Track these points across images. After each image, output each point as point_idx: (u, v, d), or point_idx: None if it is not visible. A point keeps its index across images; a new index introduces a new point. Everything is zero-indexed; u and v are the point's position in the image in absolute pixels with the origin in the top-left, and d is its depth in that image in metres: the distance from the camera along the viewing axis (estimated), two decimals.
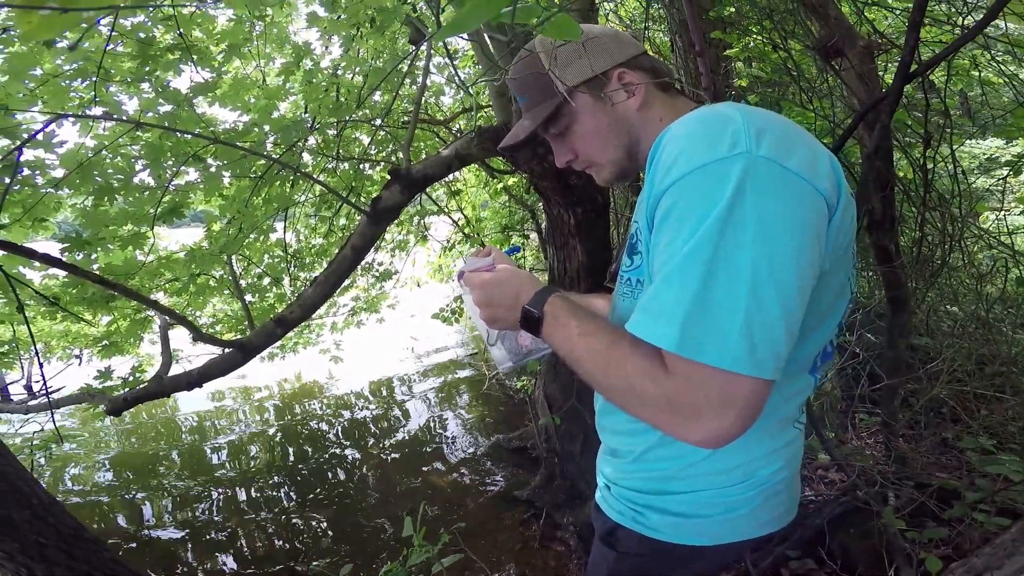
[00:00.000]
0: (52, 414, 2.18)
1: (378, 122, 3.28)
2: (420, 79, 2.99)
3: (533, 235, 4.87)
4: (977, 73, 1.93)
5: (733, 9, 2.49)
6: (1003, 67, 1.70)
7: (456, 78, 4.13)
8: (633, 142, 0.87)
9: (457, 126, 4.51)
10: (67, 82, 2.06)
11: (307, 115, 2.73)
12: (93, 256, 2.07)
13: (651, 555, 0.91)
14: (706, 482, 0.84)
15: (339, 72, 3.04)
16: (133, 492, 3.81)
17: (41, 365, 2.04)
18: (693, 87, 2.13)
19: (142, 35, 2.12)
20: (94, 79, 1.99)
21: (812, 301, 0.67)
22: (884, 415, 2.03)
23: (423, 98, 3.31)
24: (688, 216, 0.64)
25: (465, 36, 2.46)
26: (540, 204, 4.24)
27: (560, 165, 0.94)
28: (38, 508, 1.77)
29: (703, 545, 0.87)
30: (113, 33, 2.03)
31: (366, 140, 3.62)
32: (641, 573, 0.96)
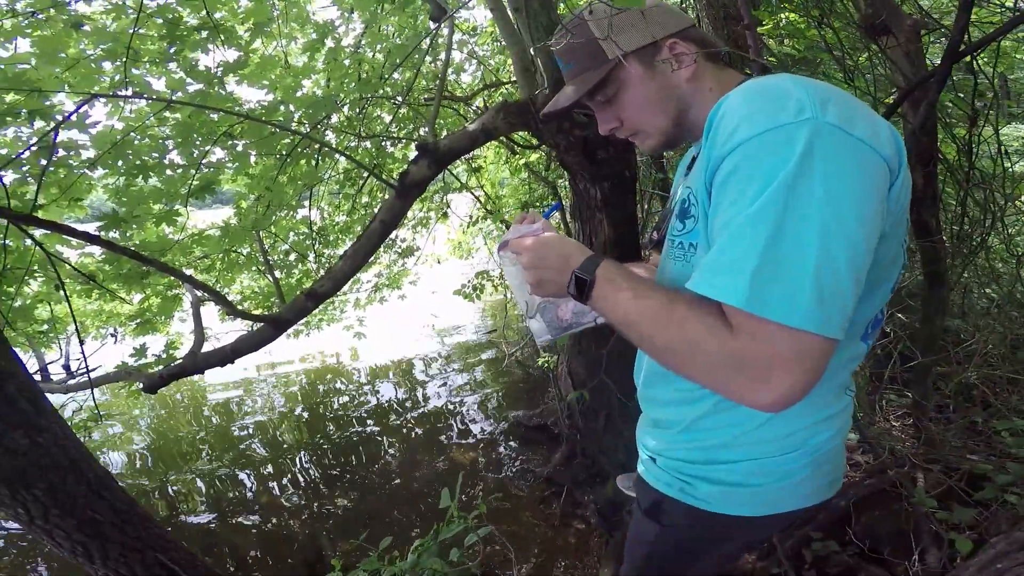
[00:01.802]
0: (92, 392, 2.24)
1: (400, 99, 3.27)
2: (444, 55, 2.96)
3: (555, 213, 4.84)
4: (1022, 56, 1.87)
5: None
6: None
7: (487, 47, 4.07)
8: (682, 111, 0.87)
9: (477, 103, 4.47)
10: (95, 64, 2.08)
11: (331, 91, 2.73)
12: (128, 234, 2.11)
13: (697, 526, 0.92)
14: (760, 450, 0.85)
15: (361, 49, 3.02)
16: (165, 472, 3.90)
17: (82, 343, 2.09)
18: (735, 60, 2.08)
19: (169, 16, 2.12)
20: (123, 60, 2.01)
21: (871, 264, 0.67)
22: (916, 395, 2.01)
23: (446, 73, 3.28)
24: (754, 176, 0.64)
25: (489, 10, 2.42)
26: (560, 180, 4.21)
27: (603, 132, 0.94)
28: (94, 483, 1.78)
29: (752, 515, 0.87)
30: (140, 15, 2.04)
31: (387, 118, 3.61)
32: (685, 544, 0.96)
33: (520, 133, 3.66)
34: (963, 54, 1.16)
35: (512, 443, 3.86)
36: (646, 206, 3.52)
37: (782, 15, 2.11)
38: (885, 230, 0.70)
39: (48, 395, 1.84)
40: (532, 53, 2.24)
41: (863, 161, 0.65)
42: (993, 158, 1.60)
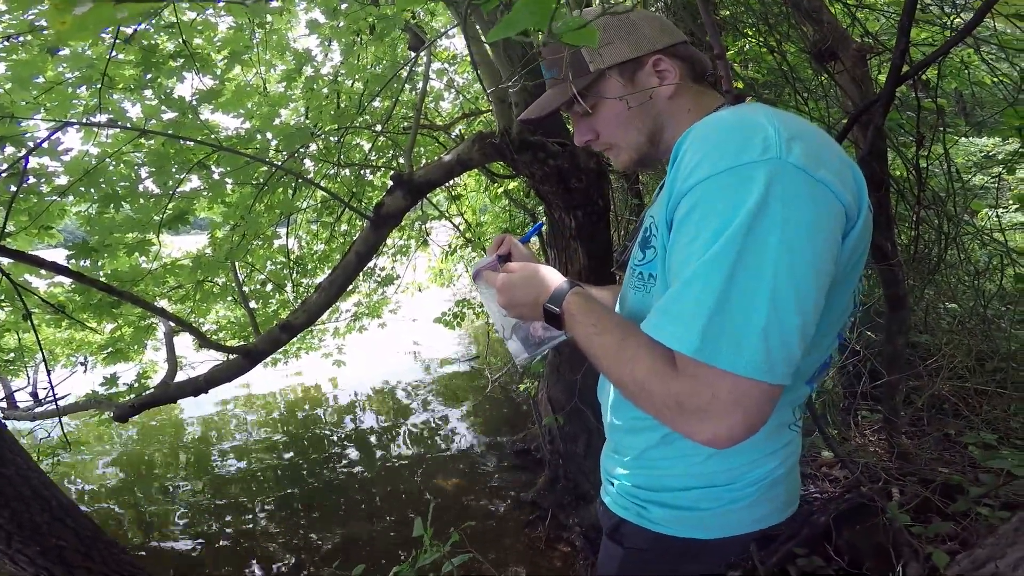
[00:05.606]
0: (60, 421, 2.19)
1: (379, 128, 3.30)
2: (420, 84, 3.01)
3: (533, 239, 4.89)
4: (967, 73, 1.95)
5: (728, 12, 2.52)
6: (994, 66, 1.71)
7: (467, 75, 4.15)
8: (657, 130, 0.86)
9: (456, 131, 4.53)
10: (71, 89, 2.08)
11: (308, 121, 2.75)
12: (99, 263, 2.08)
13: (657, 549, 0.92)
14: (707, 479, 0.86)
15: (339, 78, 3.06)
16: (139, 499, 3.80)
17: (49, 372, 2.05)
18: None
19: (144, 43, 2.14)
20: (97, 86, 2.01)
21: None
22: (886, 412, 2.05)
23: (423, 103, 3.33)
24: (710, 217, 0.63)
25: (465, 38, 2.47)
26: (541, 208, 4.26)
27: (579, 143, 0.93)
28: (57, 511, 1.78)
29: (705, 538, 0.88)
30: (116, 41, 2.05)
31: (367, 146, 3.64)
32: (649, 567, 0.97)
33: (499, 163, 3.71)
34: (905, 77, 1.20)
35: (496, 468, 3.83)
36: (622, 232, 3.57)
37: (744, 41, 2.18)
38: (837, 278, 0.69)
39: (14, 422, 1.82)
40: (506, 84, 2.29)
41: (822, 205, 0.64)
42: (947, 175, 1.65)
